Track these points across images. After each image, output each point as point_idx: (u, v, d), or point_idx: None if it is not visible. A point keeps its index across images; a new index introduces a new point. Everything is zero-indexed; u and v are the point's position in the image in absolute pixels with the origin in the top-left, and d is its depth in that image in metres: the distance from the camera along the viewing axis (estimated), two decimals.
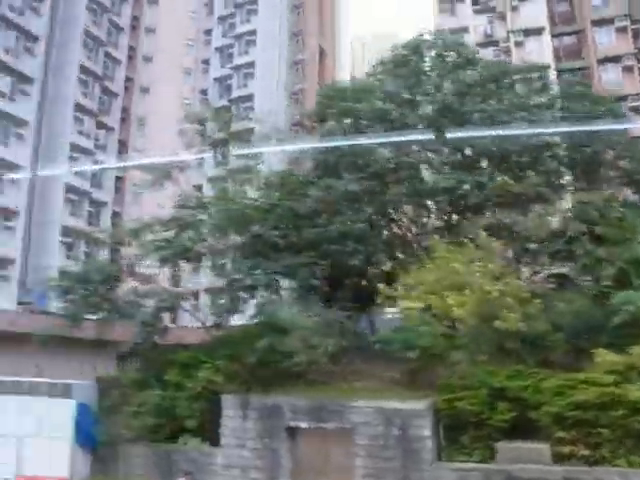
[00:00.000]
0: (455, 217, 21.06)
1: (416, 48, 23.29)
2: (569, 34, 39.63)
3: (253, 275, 18.01)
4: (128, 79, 47.93)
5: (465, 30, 43.13)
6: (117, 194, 45.87)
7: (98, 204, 43.16)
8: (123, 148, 46.45)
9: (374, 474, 14.79)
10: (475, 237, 17.36)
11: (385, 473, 14.73)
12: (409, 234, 22.19)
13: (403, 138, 19.57)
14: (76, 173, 40.62)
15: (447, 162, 20.66)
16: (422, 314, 16.54)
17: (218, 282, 22.16)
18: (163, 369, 17.96)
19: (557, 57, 38.10)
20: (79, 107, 41.63)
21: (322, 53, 54.43)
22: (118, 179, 45.97)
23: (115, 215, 44.99)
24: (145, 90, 49.33)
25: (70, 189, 40.19)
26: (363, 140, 19.97)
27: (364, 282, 20.99)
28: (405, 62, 22.84)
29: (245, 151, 24.17)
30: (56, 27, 41.03)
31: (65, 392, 19.13)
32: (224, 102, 48.26)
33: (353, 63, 77.15)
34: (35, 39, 38.76)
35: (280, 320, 16.74)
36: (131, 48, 48.68)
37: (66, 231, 39.69)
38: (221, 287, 21.35)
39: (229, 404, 16.16)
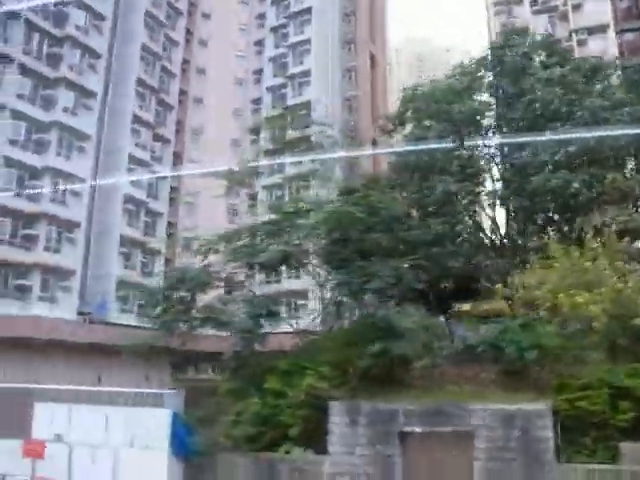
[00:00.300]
0: (564, 216, 20.18)
1: (503, 48, 22.64)
2: (633, 30, 38.71)
3: (362, 279, 17.12)
4: (182, 92, 48.56)
5: (525, 31, 42.30)
6: (171, 205, 46.20)
7: (154, 214, 43.43)
8: (178, 160, 46.83)
9: (495, 477, 14.19)
10: (588, 235, 16.50)
11: (506, 476, 14.15)
12: (512, 235, 21.33)
13: (504, 140, 18.79)
14: (133, 184, 40.87)
15: (549, 161, 19.80)
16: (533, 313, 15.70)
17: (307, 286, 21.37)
18: (261, 377, 17.26)
19: (620, 54, 37.18)
20: (136, 119, 42.19)
21: (373, 59, 54.25)
22: (172, 190, 46.31)
23: (170, 225, 45.22)
24: (199, 101, 49.77)
25: (128, 200, 40.52)
26: (460, 142, 19.16)
27: (462, 283, 20.17)
28: (498, 62, 22.19)
29: (322, 157, 23.43)
30: (115, 43, 41.71)
31: (156, 401, 18.62)
32: (277, 111, 48.42)
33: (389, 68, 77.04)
34: (98, 56, 39.47)
35: (391, 323, 15.85)
36: (185, 61, 49.36)
37: (123, 241, 39.93)
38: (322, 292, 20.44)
39: (337, 411, 15.43)
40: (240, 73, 51.67)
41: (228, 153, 49.06)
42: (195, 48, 50.65)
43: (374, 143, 47.26)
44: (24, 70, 35.58)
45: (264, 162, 45.55)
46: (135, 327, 39.68)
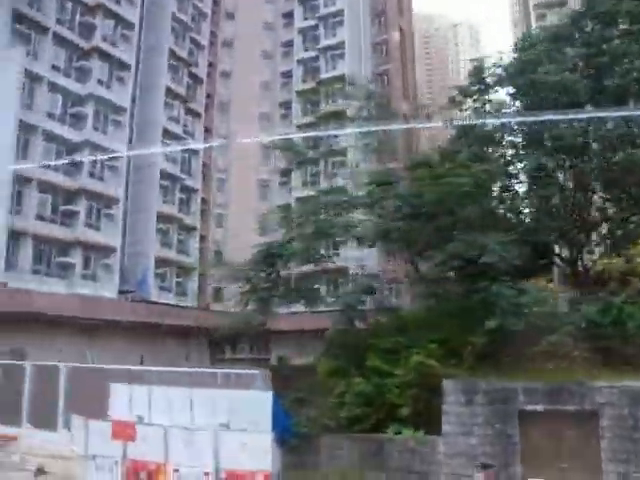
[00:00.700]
0: None
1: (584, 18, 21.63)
2: None
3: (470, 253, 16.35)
4: (210, 65, 47.27)
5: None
6: (203, 181, 45.35)
7: (188, 190, 42.51)
8: (208, 134, 45.77)
9: (621, 457, 13.71)
10: None
11: (634, 455, 13.63)
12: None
13: (595, 114, 17.94)
14: (168, 159, 39.98)
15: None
16: None
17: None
18: (361, 356, 16.73)
19: None
20: (169, 92, 41.01)
21: (401, 32, 53.04)
22: (204, 166, 45.40)
23: (203, 202, 44.42)
24: (226, 75, 48.60)
25: (163, 175, 39.56)
26: (551, 115, 18.29)
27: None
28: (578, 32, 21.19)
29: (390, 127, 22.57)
30: (146, 13, 40.44)
31: (249, 382, 18.12)
32: (309, 85, 47.29)
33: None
34: (130, 26, 38.23)
35: (508, 299, 15.22)
36: (212, 34, 47.97)
37: (159, 218, 39.15)
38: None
39: (451, 389, 14.94)
40: (268, 46, 50.44)
41: (257, 127, 48.14)
42: (222, 20, 49.29)
43: (405, 117, 46.42)
44: (58, 40, 34.50)
45: (299, 134, 44.80)
46: (174, 306, 39.32)
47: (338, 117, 44.33)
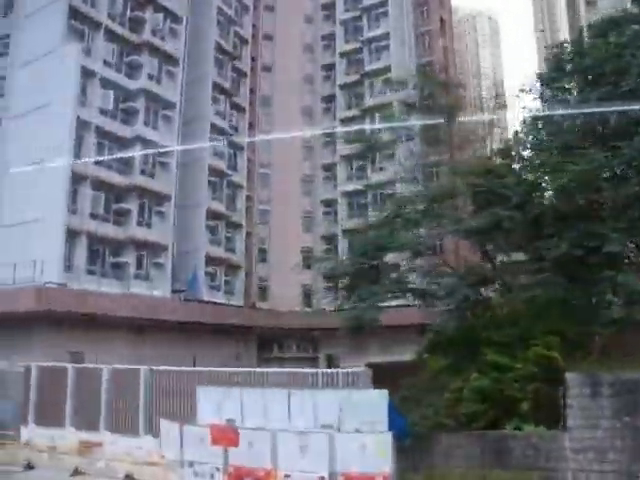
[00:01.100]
0: None
1: None
2: None
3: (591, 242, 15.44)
4: (252, 59, 46.49)
5: None
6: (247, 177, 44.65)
7: (234, 186, 41.81)
8: (251, 130, 45.03)
9: None
10: None
11: None
12: None
13: None
14: (215, 155, 39.31)
15: None
16: None
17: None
18: (473, 351, 15.90)
19: None
20: (215, 87, 40.30)
21: (442, 23, 51.98)
22: (248, 161, 44.68)
23: (247, 198, 43.71)
24: (267, 69, 47.79)
25: (211, 172, 38.89)
26: None
27: None
28: None
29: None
30: (192, 5, 39.73)
31: (354, 381, 17.37)
32: (353, 77, 46.46)
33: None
34: (178, 19, 37.57)
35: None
36: (253, 27, 47.17)
37: (208, 214, 38.50)
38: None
39: (575, 382, 14.02)
40: (308, 39, 49.58)
41: (299, 121, 47.37)
42: (262, 13, 48.52)
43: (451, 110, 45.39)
44: (109, 35, 33.91)
45: (343, 129, 43.90)
46: (225, 305, 38.67)
47: (384, 109, 43.59)
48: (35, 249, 28.28)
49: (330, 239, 45.55)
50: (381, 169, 42.74)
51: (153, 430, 19.82)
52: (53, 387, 21.92)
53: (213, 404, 18.60)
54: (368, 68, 44.84)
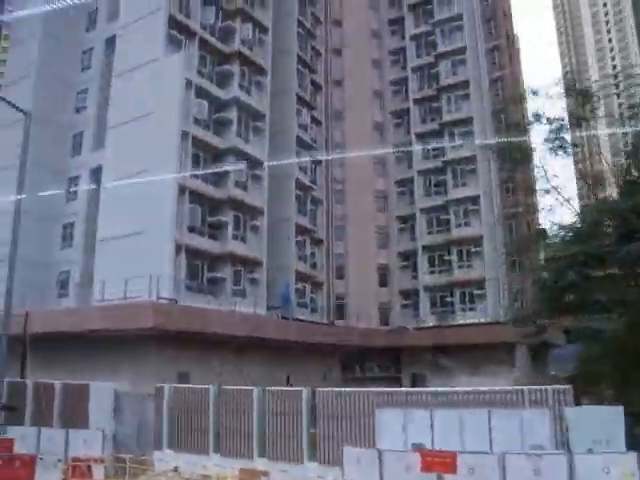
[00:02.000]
0: None
1: None
2: None
3: None
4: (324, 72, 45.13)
5: None
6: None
7: (316, 202, 40.04)
8: (326, 143, 43.46)
9: None
10: None
11: None
12: None
13: None
14: (300, 169, 37.64)
15: None
16: None
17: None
18: None
19: None
20: (298, 99, 38.80)
21: (507, 38, 50.70)
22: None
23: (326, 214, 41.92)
24: (338, 83, 46.38)
25: (297, 186, 37.14)
26: None
27: None
28: None
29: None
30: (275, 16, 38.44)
31: (561, 399, 15.55)
32: (426, 93, 44.98)
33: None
34: (265, 30, 36.31)
35: None
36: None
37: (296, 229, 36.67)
38: None
39: None
40: (376, 54, 48.19)
41: (370, 136, 45.84)
42: (330, 27, 47.32)
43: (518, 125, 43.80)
44: (202, 45, 32.52)
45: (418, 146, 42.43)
46: (315, 323, 36.60)
47: (462, 124, 42.10)
48: (140, 263, 26.50)
49: (406, 256, 43.67)
50: (464, 184, 41.08)
51: (318, 457, 17.74)
52: (190, 410, 19.94)
53: (395, 427, 16.58)
54: (444, 83, 43.32)
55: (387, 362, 40.88)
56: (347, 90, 45.98)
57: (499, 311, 38.04)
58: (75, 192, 35.39)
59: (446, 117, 42.37)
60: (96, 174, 34.36)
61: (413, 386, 36.65)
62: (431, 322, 40.60)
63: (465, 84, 42.13)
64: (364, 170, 43.80)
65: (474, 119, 41.27)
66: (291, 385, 30.03)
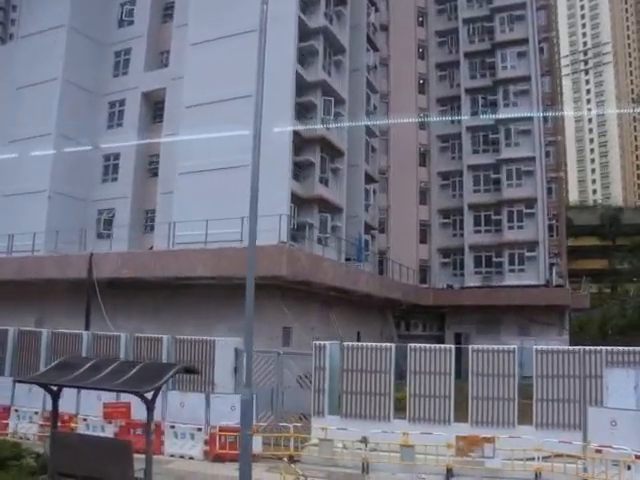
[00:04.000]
0: None
1: None
2: None
3: None
4: None
5: None
6: None
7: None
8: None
9: None
10: None
11: None
12: None
13: None
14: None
15: None
16: None
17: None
18: None
19: None
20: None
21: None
22: None
23: None
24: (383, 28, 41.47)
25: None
26: None
27: None
28: None
29: None
30: None
31: None
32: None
33: None
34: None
35: None
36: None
37: None
38: None
39: None
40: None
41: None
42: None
43: None
44: None
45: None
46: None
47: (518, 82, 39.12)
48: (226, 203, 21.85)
49: (447, 213, 40.85)
50: (517, 144, 38.39)
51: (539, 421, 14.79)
52: (364, 371, 16.25)
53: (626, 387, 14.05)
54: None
55: (432, 321, 38.41)
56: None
57: (551, 274, 36.41)
58: (120, 117, 29.61)
59: (501, 74, 39.16)
60: (148, 97, 28.82)
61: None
62: (474, 282, 38.29)
63: (523, 41, 38.91)
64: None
65: (531, 77, 38.38)
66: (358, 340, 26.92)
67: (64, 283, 23.93)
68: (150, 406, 10.33)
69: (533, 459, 13.29)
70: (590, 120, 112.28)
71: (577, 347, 15.10)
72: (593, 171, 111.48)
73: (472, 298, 36.18)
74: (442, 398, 15.35)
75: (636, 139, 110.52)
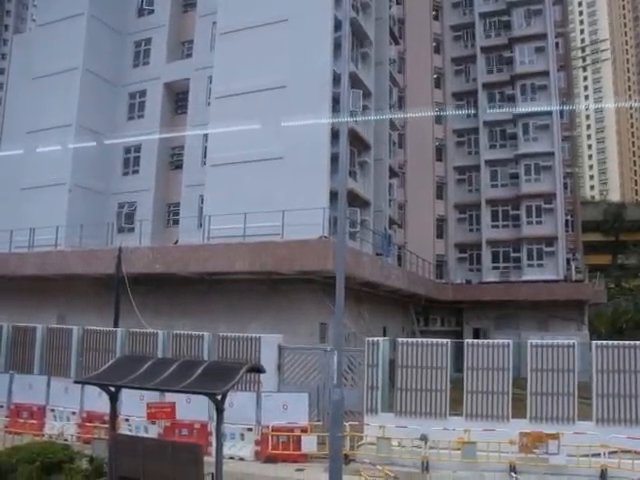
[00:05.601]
0: None
1: None
2: None
3: None
4: None
5: None
6: None
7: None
8: None
9: None
10: None
11: None
12: None
13: None
14: None
15: None
16: None
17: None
18: None
19: None
20: None
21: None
22: None
23: None
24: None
25: None
26: None
27: None
28: None
29: None
30: None
31: None
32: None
33: None
34: None
35: None
36: None
37: None
38: None
39: None
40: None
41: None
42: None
43: None
44: None
45: None
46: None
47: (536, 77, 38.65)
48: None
49: (464, 208, 40.40)
50: (535, 139, 37.97)
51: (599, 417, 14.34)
52: (419, 366, 15.71)
53: None
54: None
55: (449, 316, 37.98)
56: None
57: (569, 269, 36.09)
58: (141, 108, 28.76)
59: (519, 69, 38.70)
60: (170, 88, 28.00)
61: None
62: (492, 277, 37.91)
63: (541, 36, 38.43)
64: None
65: (549, 72, 37.94)
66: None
67: (88, 278, 23.19)
68: (220, 407, 9.80)
69: (599, 455, 12.84)
70: (588, 116, 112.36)
71: (636, 342, 14.65)
72: (591, 167, 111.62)
73: (491, 293, 35.79)
74: (499, 394, 14.87)
75: (633, 135, 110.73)
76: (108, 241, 25.75)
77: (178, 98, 28.92)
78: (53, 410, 16.67)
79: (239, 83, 23.20)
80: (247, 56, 23.45)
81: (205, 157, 25.00)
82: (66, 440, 15.06)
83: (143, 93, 28.67)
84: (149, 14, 29.26)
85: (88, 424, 15.76)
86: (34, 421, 16.11)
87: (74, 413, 16.40)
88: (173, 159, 28.51)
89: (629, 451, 12.83)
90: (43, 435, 15.86)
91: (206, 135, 24.71)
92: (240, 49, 23.82)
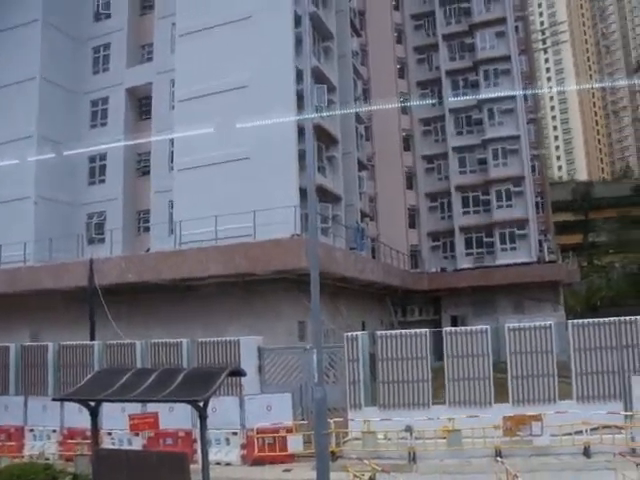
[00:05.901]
0: None
1: None
2: None
3: None
4: None
5: None
6: None
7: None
8: None
9: None
10: None
11: None
12: None
13: None
14: None
15: None
16: None
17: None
18: None
19: None
20: None
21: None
22: None
23: None
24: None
25: None
26: None
27: None
28: None
29: None
30: None
31: None
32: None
33: None
34: None
35: None
36: None
37: None
38: None
39: None
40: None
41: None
42: None
43: None
44: None
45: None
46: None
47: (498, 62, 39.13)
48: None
49: (434, 196, 40.75)
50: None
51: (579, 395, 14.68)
52: (399, 359, 15.85)
53: None
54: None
55: (427, 305, 38.32)
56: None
57: (542, 250, 36.76)
58: (104, 115, 28.26)
59: (481, 55, 39.16)
60: (133, 93, 27.57)
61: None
62: (467, 264, 38.37)
63: (501, 21, 38.93)
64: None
65: (511, 56, 38.45)
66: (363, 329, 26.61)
67: (61, 293, 22.78)
68: (203, 414, 9.76)
69: (581, 432, 13.14)
70: (552, 98, 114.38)
71: (613, 318, 15.00)
72: (557, 148, 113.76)
73: (467, 280, 36.23)
74: (481, 380, 15.09)
75: (596, 114, 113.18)
76: (79, 253, 25.28)
77: (142, 103, 28.51)
78: (32, 430, 16.37)
79: (202, 85, 22.98)
80: (208, 57, 23.23)
81: (172, 162, 24.70)
82: (47, 459, 14.78)
83: (105, 100, 28.16)
84: (106, 18, 28.72)
85: (70, 441, 15.53)
86: (12, 443, 15.76)
87: (54, 431, 16.13)
88: (140, 166, 28.11)
89: (610, 426, 13.18)
90: (23, 456, 15.54)
91: (172, 140, 24.43)
92: (201, 50, 23.58)
